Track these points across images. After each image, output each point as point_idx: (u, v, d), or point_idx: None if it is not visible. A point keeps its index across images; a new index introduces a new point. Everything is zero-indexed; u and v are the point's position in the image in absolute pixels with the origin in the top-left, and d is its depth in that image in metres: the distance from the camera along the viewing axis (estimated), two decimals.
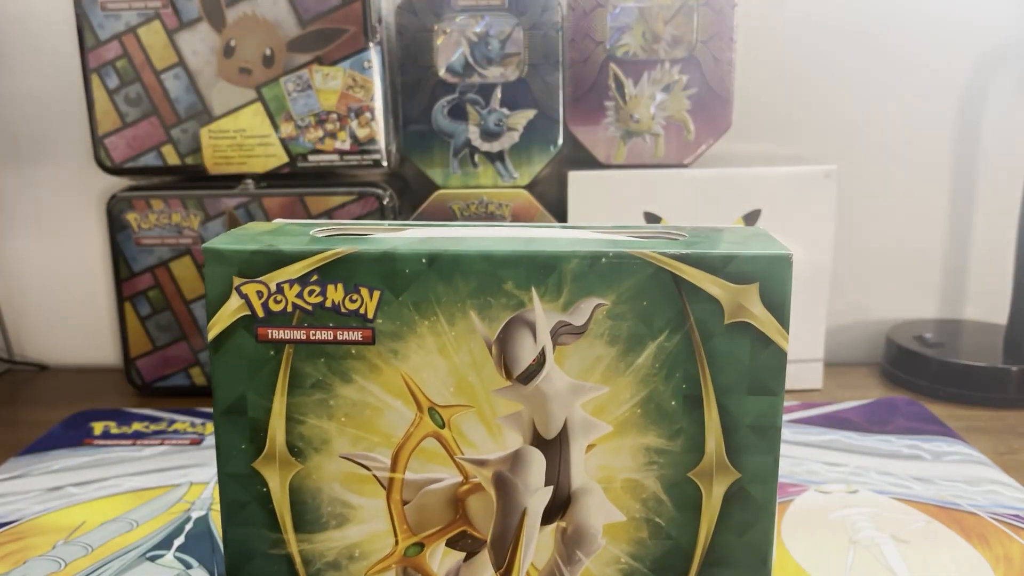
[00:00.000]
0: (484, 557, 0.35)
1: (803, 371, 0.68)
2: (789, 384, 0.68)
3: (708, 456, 0.33)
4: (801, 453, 0.55)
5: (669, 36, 0.64)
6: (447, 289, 0.33)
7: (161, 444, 0.58)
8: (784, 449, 0.56)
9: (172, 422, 0.62)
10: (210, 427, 0.61)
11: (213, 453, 0.57)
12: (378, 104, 0.63)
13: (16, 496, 0.51)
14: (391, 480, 0.34)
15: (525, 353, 0.33)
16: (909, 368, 0.68)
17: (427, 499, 0.34)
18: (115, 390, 0.71)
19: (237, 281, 0.33)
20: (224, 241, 0.34)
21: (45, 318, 0.79)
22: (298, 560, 0.35)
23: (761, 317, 0.32)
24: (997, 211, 0.74)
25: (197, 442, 0.59)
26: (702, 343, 0.32)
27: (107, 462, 0.56)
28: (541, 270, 0.32)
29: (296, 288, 0.33)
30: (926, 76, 0.73)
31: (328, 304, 0.33)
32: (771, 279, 0.32)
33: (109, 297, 0.78)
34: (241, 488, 0.35)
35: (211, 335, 0.34)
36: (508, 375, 0.33)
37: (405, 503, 0.34)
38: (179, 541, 0.45)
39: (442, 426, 0.34)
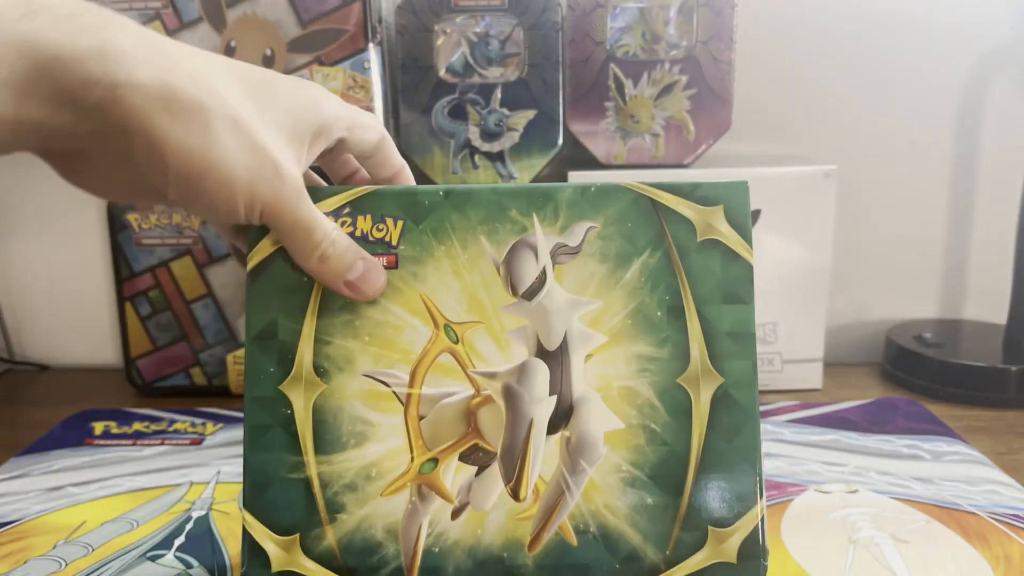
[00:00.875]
0: (495, 471, 0.36)
1: (803, 371, 0.68)
2: (789, 384, 0.68)
3: (693, 362, 0.36)
4: (801, 453, 0.55)
5: (669, 36, 0.64)
6: (460, 218, 0.37)
7: (161, 444, 0.58)
8: (784, 449, 0.56)
9: (172, 422, 0.62)
10: (210, 427, 0.61)
11: (213, 453, 0.57)
12: (378, 104, 0.63)
13: (16, 496, 0.51)
14: (409, 396, 0.36)
15: (528, 272, 0.37)
16: (909, 368, 0.68)
17: (441, 413, 0.36)
18: (115, 390, 0.71)
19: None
20: None
21: (45, 318, 0.79)
22: (316, 483, 0.36)
23: (728, 235, 0.37)
24: (997, 211, 0.74)
25: (197, 442, 0.59)
26: (680, 258, 0.37)
27: (107, 462, 0.56)
28: (540, 199, 0.37)
29: (330, 219, 0.36)
30: (926, 76, 0.73)
31: (358, 233, 0.37)
32: (733, 202, 0.37)
33: (109, 297, 0.78)
34: (266, 411, 0.36)
35: (250, 265, 0.37)
36: (514, 292, 0.37)
37: (421, 418, 0.36)
38: (179, 541, 0.45)
39: (456, 342, 0.37)
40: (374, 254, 0.36)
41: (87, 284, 0.78)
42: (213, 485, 0.52)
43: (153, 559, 0.43)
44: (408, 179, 0.41)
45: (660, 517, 0.36)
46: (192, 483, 0.52)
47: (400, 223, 0.37)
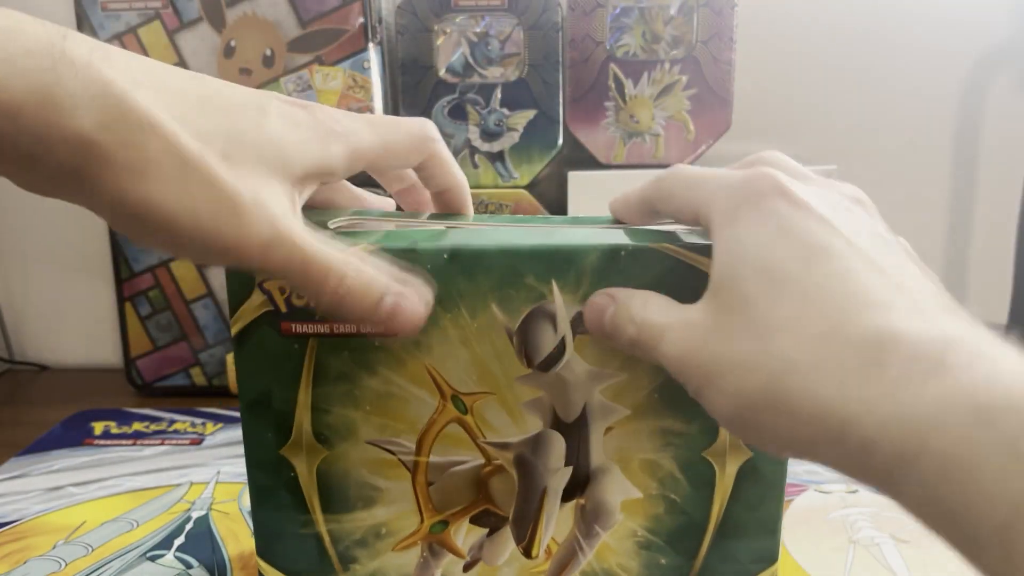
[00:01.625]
0: (506, 532, 0.35)
1: None
2: None
3: (722, 437, 0.34)
4: None
5: (669, 36, 0.64)
6: (468, 283, 0.32)
7: (161, 444, 0.58)
8: None
9: (172, 422, 0.62)
10: (210, 427, 0.61)
11: (213, 453, 0.57)
12: (378, 104, 0.63)
13: (16, 496, 0.51)
14: (416, 463, 0.35)
15: (545, 343, 0.33)
16: None
17: (451, 480, 0.35)
18: (115, 390, 0.71)
19: (259, 277, 0.33)
20: None
21: (45, 318, 0.79)
22: (327, 539, 0.35)
23: None
24: (997, 211, 0.74)
25: (197, 442, 0.59)
26: None
27: (107, 462, 0.56)
28: (561, 264, 0.32)
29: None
30: (926, 76, 0.73)
31: None
32: None
33: (109, 297, 0.78)
34: (268, 474, 0.35)
35: (234, 330, 0.33)
36: (529, 363, 0.33)
37: (430, 484, 0.35)
38: (179, 541, 0.45)
39: (465, 412, 0.34)
40: None
41: (87, 284, 0.78)
42: (213, 485, 0.52)
43: (153, 559, 0.43)
44: (459, 198, 0.36)
45: None
46: (192, 483, 0.52)
47: None
